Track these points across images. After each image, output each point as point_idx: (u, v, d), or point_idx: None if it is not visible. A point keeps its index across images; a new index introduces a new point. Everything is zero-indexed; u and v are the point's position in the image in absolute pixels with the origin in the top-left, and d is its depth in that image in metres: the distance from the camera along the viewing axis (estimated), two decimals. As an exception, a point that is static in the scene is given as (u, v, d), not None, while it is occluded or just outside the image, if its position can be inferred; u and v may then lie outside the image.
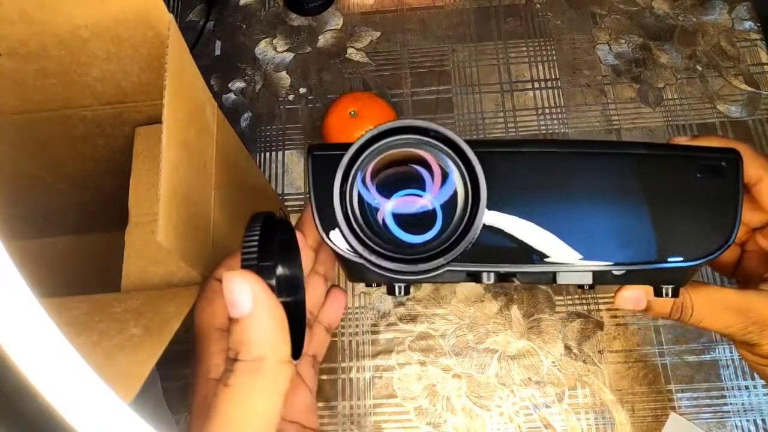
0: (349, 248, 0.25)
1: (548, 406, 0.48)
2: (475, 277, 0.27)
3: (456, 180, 0.26)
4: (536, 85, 0.59)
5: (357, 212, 0.26)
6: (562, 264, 0.26)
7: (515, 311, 0.50)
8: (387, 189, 0.26)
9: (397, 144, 0.26)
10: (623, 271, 0.27)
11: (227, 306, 0.22)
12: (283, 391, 0.22)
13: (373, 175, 0.26)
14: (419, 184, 0.26)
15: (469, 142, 0.25)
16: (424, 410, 0.48)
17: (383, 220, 0.26)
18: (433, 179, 0.26)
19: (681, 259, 0.27)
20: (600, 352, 0.49)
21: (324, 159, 0.27)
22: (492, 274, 0.27)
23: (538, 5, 0.62)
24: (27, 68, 0.34)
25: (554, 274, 0.27)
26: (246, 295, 0.21)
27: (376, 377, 0.49)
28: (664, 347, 0.49)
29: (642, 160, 0.27)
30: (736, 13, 0.60)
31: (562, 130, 0.57)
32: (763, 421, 0.46)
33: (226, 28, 0.63)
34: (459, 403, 0.48)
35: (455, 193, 0.26)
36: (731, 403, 0.47)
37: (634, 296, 0.31)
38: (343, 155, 0.25)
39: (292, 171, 0.57)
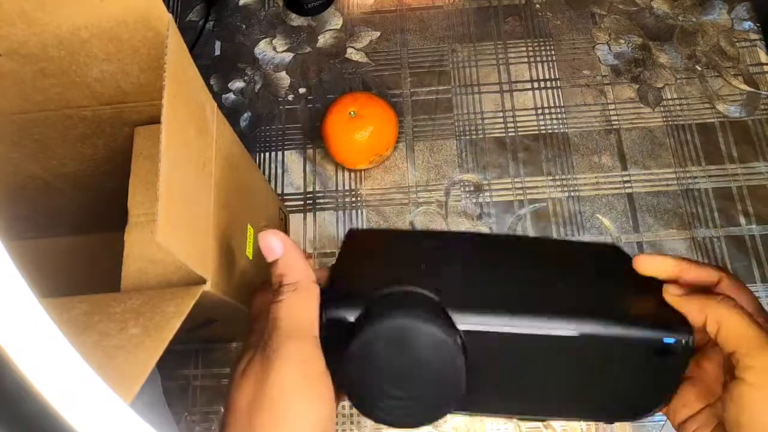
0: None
1: (548, 406, 0.47)
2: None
3: None
4: (536, 85, 0.59)
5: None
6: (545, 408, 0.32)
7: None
8: None
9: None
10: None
11: (265, 255, 0.31)
12: (316, 301, 0.30)
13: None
14: None
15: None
16: (424, 410, 0.48)
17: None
18: None
19: (623, 417, 0.32)
20: (599, 351, 0.49)
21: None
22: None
23: (537, 5, 0.62)
24: (27, 68, 0.34)
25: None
26: (277, 243, 0.31)
27: (375, 377, 0.49)
28: (664, 347, 0.49)
29: (606, 340, 0.29)
30: (735, 13, 0.60)
31: (562, 131, 0.57)
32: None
33: (225, 28, 0.63)
34: (459, 403, 0.48)
35: None
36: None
37: None
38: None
39: (292, 171, 0.57)
